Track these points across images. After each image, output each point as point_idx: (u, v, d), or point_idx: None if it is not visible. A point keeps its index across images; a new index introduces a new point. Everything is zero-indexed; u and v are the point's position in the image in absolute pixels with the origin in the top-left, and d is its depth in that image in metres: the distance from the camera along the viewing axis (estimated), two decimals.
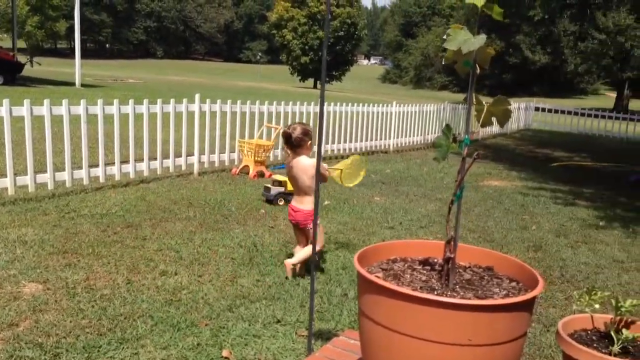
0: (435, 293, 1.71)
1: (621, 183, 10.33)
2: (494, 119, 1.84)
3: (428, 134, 13.51)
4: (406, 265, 1.96)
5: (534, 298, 1.64)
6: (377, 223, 6.18)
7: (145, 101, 7.49)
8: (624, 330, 1.83)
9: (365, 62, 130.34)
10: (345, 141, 11.08)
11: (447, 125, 1.86)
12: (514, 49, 51.66)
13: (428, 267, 1.94)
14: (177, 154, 8.07)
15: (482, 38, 1.67)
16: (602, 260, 5.46)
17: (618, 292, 4.62)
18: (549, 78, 55.56)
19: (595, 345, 1.82)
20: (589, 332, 1.91)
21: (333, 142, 10.77)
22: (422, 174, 9.70)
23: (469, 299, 1.69)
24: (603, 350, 1.78)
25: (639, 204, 8.49)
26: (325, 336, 3.28)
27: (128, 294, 3.84)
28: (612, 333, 1.83)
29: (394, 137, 12.33)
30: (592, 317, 1.93)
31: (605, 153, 15.14)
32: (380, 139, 12.02)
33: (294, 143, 4.14)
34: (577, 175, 11.10)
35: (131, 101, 7.35)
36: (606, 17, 37.03)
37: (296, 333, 3.39)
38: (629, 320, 1.89)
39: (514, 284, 1.84)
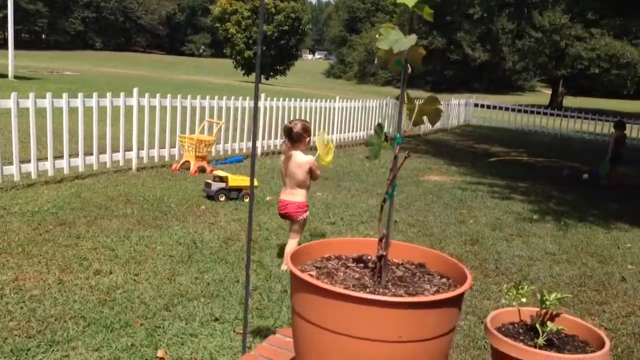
0: (367, 290, 1.72)
1: (554, 177, 10.71)
2: (425, 118, 1.86)
3: (371, 129, 13.63)
4: (340, 263, 1.96)
5: (462, 294, 1.67)
6: (318, 219, 6.19)
7: (80, 95, 7.26)
8: (548, 323, 1.88)
9: (310, 56, 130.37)
10: (282, 137, 11.04)
11: (379, 124, 1.86)
12: (455, 45, 52.75)
13: (362, 265, 1.95)
14: (115, 149, 7.85)
15: (412, 38, 1.68)
16: (535, 253, 5.65)
17: (549, 284, 4.79)
18: (488, 75, 56.99)
19: (521, 338, 1.87)
20: (516, 325, 1.96)
21: (276, 138, 10.73)
22: (364, 169, 9.79)
23: (400, 295, 1.70)
24: (529, 343, 1.83)
25: (569, 198, 8.82)
26: (264, 333, 3.27)
27: (59, 294, 3.71)
28: (538, 326, 1.88)
29: (337, 132, 12.38)
30: (519, 310, 1.99)
31: (540, 148, 15.66)
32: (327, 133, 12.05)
33: (294, 137, 4.39)
34: (513, 170, 11.44)
35: (65, 95, 7.10)
36: (542, 16, 38.30)
37: (234, 331, 3.36)
38: (554, 312, 1.95)
39: (444, 280, 1.87)
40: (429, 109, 1.82)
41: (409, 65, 1.78)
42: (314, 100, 11.72)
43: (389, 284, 1.80)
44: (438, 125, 18.07)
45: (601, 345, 1.80)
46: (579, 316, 4.16)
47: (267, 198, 6.91)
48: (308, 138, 4.44)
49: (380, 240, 1.85)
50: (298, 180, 4.39)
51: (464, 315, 3.89)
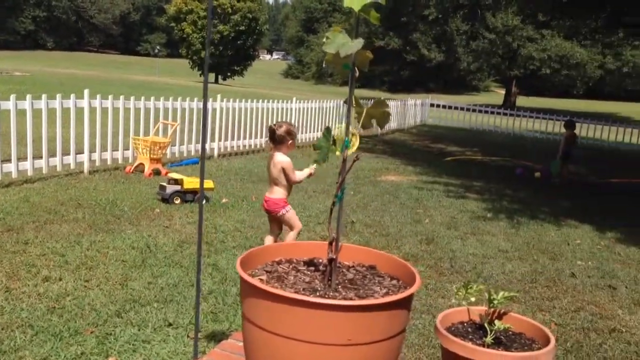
0: (317, 294, 1.72)
1: (507, 176, 10.95)
2: (374, 121, 1.87)
3: None
4: (291, 266, 1.95)
5: (411, 295, 1.68)
6: None
7: (29, 97, 7.05)
8: (496, 322, 1.92)
9: (267, 57, 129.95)
10: (245, 137, 10.98)
11: (327, 128, 1.86)
12: (411, 46, 53.37)
13: (312, 268, 1.94)
14: (66, 152, 7.66)
15: (359, 42, 1.68)
16: (489, 251, 5.75)
17: (502, 281, 4.88)
18: (444, 75, 57.91)
19: (470, 337, 1.90)
20: (465, 324, 1.99)
21: (233, 139, 10.65)
22: (322, 169, 9.77)
23: (351, 298, 1.71)
24: (477, 342, 1.86)
25: (522, 196, 9.03)
26: (218, 338, 3.23)
27: (6, 302, 3.59)
28: (486, 325, 1.91)
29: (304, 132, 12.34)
30: (468, 310, 2.02)
31: (494, 147, 15.98)
32: None
33: (276, 139, 4.49)
34: (468, 169, 11.63)
35: (13, 96, 6.89)
36: (495, 18, 39.12)
37: (188, 336, 3.31)
38: (502, 311, 1.99)
39: (394, 281, 1.88)
40: (377, 112, 1.83)
41: (356, 68, 1.79)
42: (270, 101, 11.68)
43: (340, 287, 1.80)
44: (395, 125, 18.25)
45: (546, 342, 1.84)
46: (530, 313, 4.26)
47: (223, 200, 6.85)
48: (291, 141, 4.51)
49: (330, 243, 1.85)
50: (274, 178, 4.55)
51: (418, 314, 3.93)
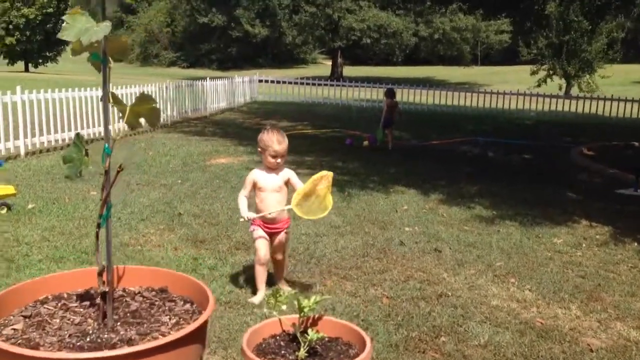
0: (88, 339, 1.39)
1: (338, 147, 11.12)
2: (142, 120, 1.55)
3: None
4: (59, 304, 1.60)
5: (203, 325, 1.42)
6: (91, 222, 5.58)
7: None
8: (310, 331, 1.72)
9: None
10: (57, 132, 9.90)
11: (77, 134, 1.52)
12: (235, 22, 52.75)
13: (87, 303, 1.61)
14: None
15: (106, 26, 1.35)
16: (321, 228, 5.69)
17: (335, 259, 4.82)
18: (272, 50, 58.14)
19: (283, 351, 1.69)
20: (277, 337, 1.78)
21: (42, 134, 9.57)
22: (147, 159, 9.19)
23: (130, 338, 1.40)
24: (290, 357, 1.65)
25: (352, 167, 9.19)
26: None
27: None
28: (299, 335, 1.71)
29: (116, 122, 11.46)
30: (280, 320, 1.80)
31: (324, 120, 16.23)
32: (98, 125, 11.08)
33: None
34: (300, 144, 11.60)
35: None
36: None
37: None
38: (316, 317, 1.80)
39: (187, 306, 1.61)
40: (143, 109, 1.52)
41: (110, 58, 1.45)
42: (83, 89, 10.69)
43: (119, 323, 1.49)
44: (224, 104, 17.85)
45: (363, 345, 1.69)
46: (363, 289, 4.23)
47: (30, 206, 6.09)
48: (260, 150, 3.83)
49: (100, 274, 1.52)
50: None
51: (256, 311, 3.71)
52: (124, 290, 1.63)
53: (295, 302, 1.76)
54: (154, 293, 1.68)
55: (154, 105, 1.53)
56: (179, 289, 1.69)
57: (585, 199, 7.51)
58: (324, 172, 3.32)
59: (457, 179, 8.36)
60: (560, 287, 4.46)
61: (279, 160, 3.77)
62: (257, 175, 3.88)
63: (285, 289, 3.87)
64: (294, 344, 1.72)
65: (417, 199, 7.10)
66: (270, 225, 3.90)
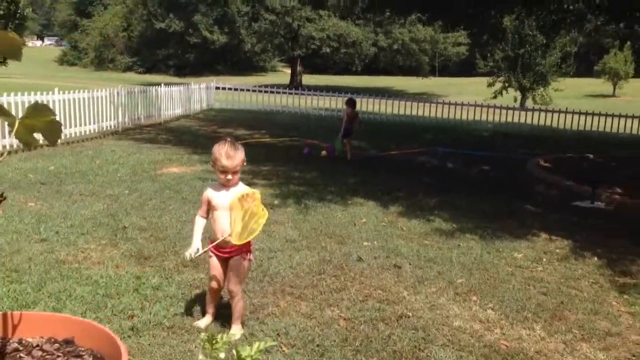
0: None
1: (295, 157, 10.85)
2: (39, 135, 1.25)
3: (103, 121, 12.44)
4: None
5: None
6: (25, 237, 5.16)
7: None
8: None
9: (38, 43, 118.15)
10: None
11: None
12: (193, 28, 52.06)
13: None
14: None
15: None
16: (276, 243, 5.42)
17: (289, 277, 4.55)
18: (231, 57, 57.63)
19: None
20: None
21: None
22: (94, 167, 8.73)
23: None
24: None
25: (309, 177, 8.93)
26: None
27: None
28: None
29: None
30: None
31: (282, 128, 15.95)
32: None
33: None
34: (256, 153, 11.28)
35: None
36: None
37: None
38: None
39: None
40: (39, 122, 1.22)
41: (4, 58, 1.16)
42: (27, 93, 10.15)
43: None
44: (180, 111, 17.39)
45: None
46: (319, 310, 3.97)
47: None
48: (212, 162, 3.47)
49: None
50: None
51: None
52: (20, 342, 1.33)
53: (235, 352, 1.49)
54: (56, 346, 1.38)
55: (52, 117, 1.23)
56: (87, 339, 1.39)
57: (543, 211, 7.44)
58: (247, 191, 3.19)
59: (416, 190, 8.19)
60: (523, 305, 4.29)
61: (229, 176, 3.43)
62: (210, 192, 3.55)
63: (233, 332, 3.42)
64: None
65: (376, 212, 6.89)
66: (222, 248, 3.54)
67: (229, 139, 3.49)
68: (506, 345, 3.63)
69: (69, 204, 6.43)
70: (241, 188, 3.48)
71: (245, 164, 3.51)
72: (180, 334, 3.45)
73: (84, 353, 1.36)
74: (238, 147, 3.44)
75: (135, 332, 3.46)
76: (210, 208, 3.51)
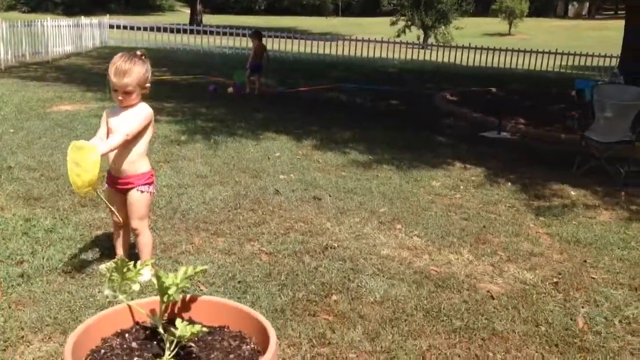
0: None
1: (201, 94, 10.25)
2: None
3: None
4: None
5: None
6: None
7: None
8: (179, 321, 1.10)
9: None
10: None
11: None
12: None
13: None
14: None
15: None
16: (186, 179, 5.00)
17: (203, 212, 4.17)
18: None
19: (135, 359, 1.06)
20: (127, 335, 1.14)
21: None
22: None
23: None
24: None
25: (217, 113, 8.43)
26: None
27: None
28: (161, 330, 1.09)
29: None
30: (130, 308, 1.17)
31: (184, 66, 15.09)
32: None
33: None
34: (157, 90, 10.56)
35: None
36: None
37: None
38: (187, 299, 1.19)
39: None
40: None
41: None
42: None
43: None
44: (71, 48, 16.03)
45: (262, 334, 1.11)
46: (238, 245, 3.65)
47: None
48: None
49: None
50: None
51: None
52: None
53: (154, 279, 1.13)
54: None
55: None
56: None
57: (454, 142, 7.43)
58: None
59: (329, 125, 7.92)
60: (447, 231, 4.19)
61: (119, 96, 2.94)
62: (107, 111, 3.08)
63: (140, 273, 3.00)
64: (154, 343, 1.10)
65: (290, 145, 6.57)
66: (115, 178, 3.07)
67: (133, 53, 2.99)
68: (436, 271, 3.49)
69: None
70: (142, 110, 3.01)
71: (149, 82, 3.04)
72: (80, 279, 3.03)
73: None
74: (135, 61, 2.93)
75: (25, 279, 2.99)
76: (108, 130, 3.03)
